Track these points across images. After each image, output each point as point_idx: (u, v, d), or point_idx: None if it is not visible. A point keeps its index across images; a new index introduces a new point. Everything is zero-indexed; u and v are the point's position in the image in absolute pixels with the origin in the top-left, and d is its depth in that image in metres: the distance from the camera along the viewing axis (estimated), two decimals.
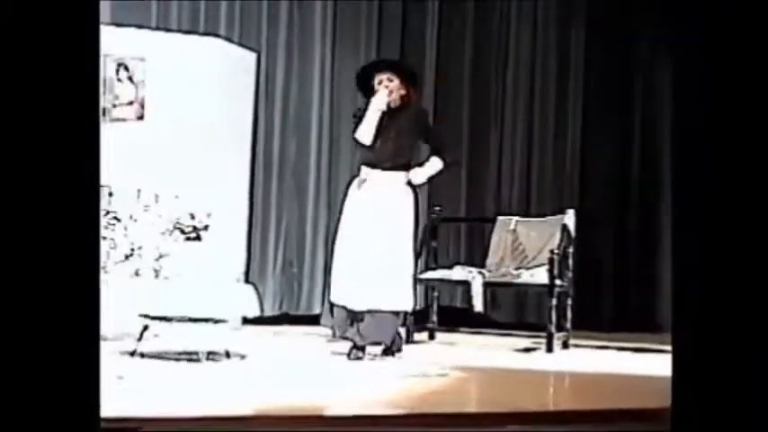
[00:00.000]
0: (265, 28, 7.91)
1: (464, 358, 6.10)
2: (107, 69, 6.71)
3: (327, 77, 8.06)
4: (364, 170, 5.77)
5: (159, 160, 6.62)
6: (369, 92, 5.79)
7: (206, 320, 5.19)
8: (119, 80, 6.77)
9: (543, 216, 7.53)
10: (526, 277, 6.90)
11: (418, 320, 7.09)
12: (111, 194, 6.27)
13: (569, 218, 7.09)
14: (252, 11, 7.86)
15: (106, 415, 3.25)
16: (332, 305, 5.87)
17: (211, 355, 5.19)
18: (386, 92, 5.72)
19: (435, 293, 7.44)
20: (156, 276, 5.85)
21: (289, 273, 7.97)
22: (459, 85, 8.57)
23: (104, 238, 5.98)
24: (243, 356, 5.40)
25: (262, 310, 5.77)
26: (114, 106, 6.77)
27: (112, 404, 3.62)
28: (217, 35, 7.45)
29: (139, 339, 5.31)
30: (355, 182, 5.81)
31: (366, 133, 5.70)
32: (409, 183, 5.78)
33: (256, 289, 5.62)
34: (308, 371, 5.15)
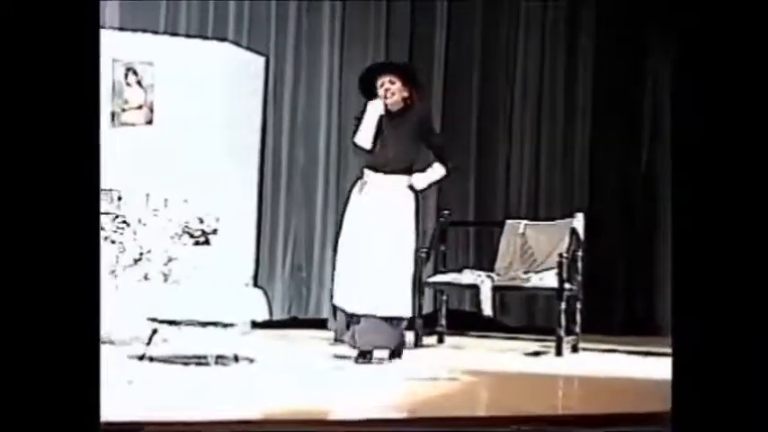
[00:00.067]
0: (274, 32, 7.92)
1: (473, 362, 6.09)
2: (116, 73, 6.73)
3: (336, 81, 8.07)
4: (366, 173, 5.75)
5: (168, 164, 6.63)
6: (372, 95, 5.74)
7: (215, 324, 5.19)
8: (128, 84, 6.79)
9: (552, 219, 7.53)
10: (535, 281, 6.88)
11: (427, 324, 7.09)
12: (120, 198, 6.29)
13: (578, 221, 7.07)
14: (260, 15, 7.87)
15: (115, 419, 3.26)
16: (334, 308, 5.87)
17: (220, 359, 5.19)
18: (382, 95, 5.67)
19: (444, 297, 7.43)
20: (165, 280, 5.86)
21: (297, 277, 7.97)
22: (467, 88, 8.57)
23: (113, 242, 6.00)
24: (251, 360, 5.40)
25: (270, 314, 5.76)
26: (123, 110, 6.78)
27: (122, 408, 3.63)
28: (225, 39, 7.46)
29: (148, 343, 5.31)
30: (357, 185, 5.80)
31: (365, 137, 5.67)
32: (411, 187, 5.74)
33: (265, 293, 5.61)
34: (316, 375, 5.14)
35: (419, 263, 6.80)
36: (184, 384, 4.55)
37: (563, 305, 6.59)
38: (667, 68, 8.43)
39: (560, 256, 6.69)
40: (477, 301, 6.92)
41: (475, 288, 6.89)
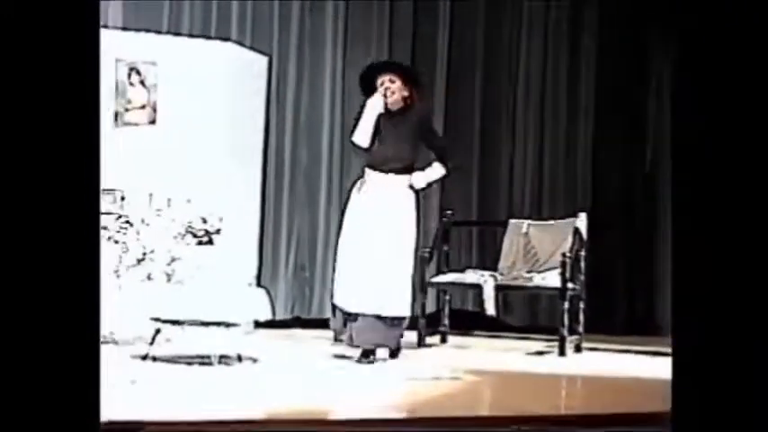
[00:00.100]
0: (277, 32, 7.92)
1: (476, 362, 6.09)
2: (119, 73, 6.74)
3: (339, 81, 8.07)
4: (367, 172, 5.74)
5: (171, 164, 6.63)
6: (372, 94, 5.73)
7: (218, 324, 5.19)
8: (131, 84, 6.79)
9: (555, 219, 7.52)
10: (538, 280, 6.88)
11: (430, 324, 7.09)
12: (123, 198, 6.30)
13: (581, 221, 7.06)
14: (263, 15, 7.87)
15: (119, 418, 3.27)
16: (334, 307, 5.85)
17: (223, 359, 5.19)
18: (382, 92, 5.65)
19: (447, 297, 7.43)
20: (169, 280, 5.86)
21: (300, 276, 7.97)
22: (470, 88, 8.56)
23: (117, 242, 6.01)
24: (255, 360, 5.40)
25: (273, 313, 5.76)
26: (126, 110, 6.78)
27: (125, 408, 3.63)
28: (228, 39, 7.46)
29: (152, 343, 5.31)
30: (358, 184, 5.79)
31: (362, 135, 5.67)
32: (411, 186, 5.73)
33: (268, 293, 5.61)
34: (319, 374, 5.14)
35: (422, 262, 6.81)
36: (188, 384, 4.55)
37: (566, 305, 6.59)
38: (670, 68, 8.42)
39: (563, 255, 6.69)
40: (480, 301, 6.92)
41: (478, 288, 6.89)
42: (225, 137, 6.99)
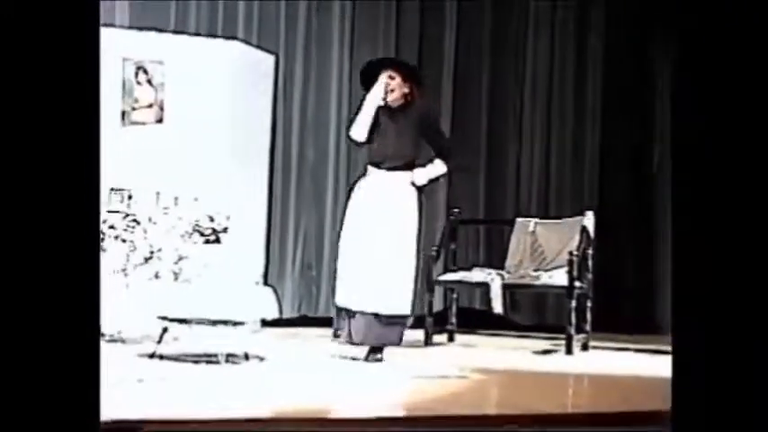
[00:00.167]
0: (283, 31, 7.93)
1: (483, 360, 6.09)
2: (126, 72, 6.75)
3: (345, 80, 8.07)
4: (369, 169, 5.72)
5: (178, 163, 6.65)
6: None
7: (225, 323, 5.19)
8: (138, 83, 6.81)
9: (562, 218, 7.52)
10: (545, 279, 6.87)
11: (437, 322, 7.09)
12: (130, 197, 6.31)
13: (588, 219, 7.06)
14: (270, 14, 7.88)
15: (125, 417, 3.27)
16: (335, 305, 5.82)
17: (230, 358, 5.19)
18: (381, 88, 5.61)
19: (454, 295, 7.44)
20: (176, 279, 5.87)
21: (307, 275, 7.98)
22: (477, 88, 8.57)
23: (124, 240, 6.02)
24: (262, 359, 5.40)
25: (280, 312, 5.76)
26: (133, 109, 6.80)
27: (132, 406, 3.64)
28: (235, 38, 7.48)
29: (159, 342, 5.32)
30: (360, 181, 5.78)
31: (359, 129, 5.65)
32: (413, 183, 5.70)
33: (275, 291, 5.61)
34: (326, 373, 5.14)
35: (429, 261, 6.81)
36: (195, 383, 4.56)
37: (573, 303, 6.59)
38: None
39: (570, 254, 6.68)
40: (487, 299, 6.92)
41: (485, 286, 6.89)
42: (232, 136, 7.00)
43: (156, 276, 5.91)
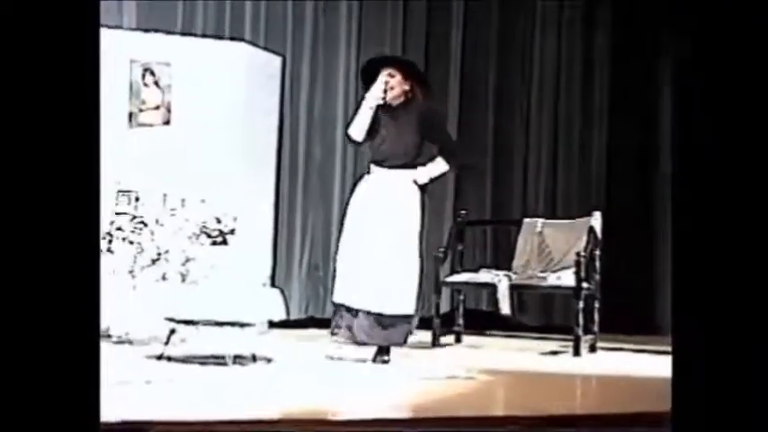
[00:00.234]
0: (290, 32, 7.94)
1: (491, 361, 6.08)
2: (133, 74, 6.76)
3: (352, 81, 8.07)
4: (371, 168, 5.70)
5: (185, 164, 6.65)
6: None
7: (232, 324, 5.19)
8: (145, 85, 6.81)
9: (570, 218, 7.50)
10: (552, 280, 6.86)
11: (445, 323, 7.09)
12: (137, 199, 6.31)
13: (596, 220, 7.04)
14: (277, 15, 7.89)
15: (132, 418, 3.27)
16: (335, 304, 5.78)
17: (238, 359, 5.19)
18: (380, 86, 5.57)
19: (462, 296, 7.43)
20: (183, 280, 5.87)
21: (314, 276, 7.98)
22: (484, 88, 8.56)
23: (131, 242, 6.03)
24: (269, 360, 5.40)
25: (288, 313, 5.76)
26: (141, 111, 6.80)
27: (139, 407, 3.64)
28: (242, 39, 7.48)
29: (166, 343, 5.32)
30: (363, 178, 5.76)
31: (357, 128, 5.63)
32: (415, 182, 5.64)
33: (282, 293, 5.61)
34: (333, 374, 5.14)
35: (436, 262, 6.81)
36: (202, 384, 4.56)
37: (581, 304, 6.57)
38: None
39: (578, 254, 6.67)
40: (494, 300, 6.91)
41: (492, 287, 6.88)
42: (239, 137, 7.00)
43: (164, 278, 5.92)
